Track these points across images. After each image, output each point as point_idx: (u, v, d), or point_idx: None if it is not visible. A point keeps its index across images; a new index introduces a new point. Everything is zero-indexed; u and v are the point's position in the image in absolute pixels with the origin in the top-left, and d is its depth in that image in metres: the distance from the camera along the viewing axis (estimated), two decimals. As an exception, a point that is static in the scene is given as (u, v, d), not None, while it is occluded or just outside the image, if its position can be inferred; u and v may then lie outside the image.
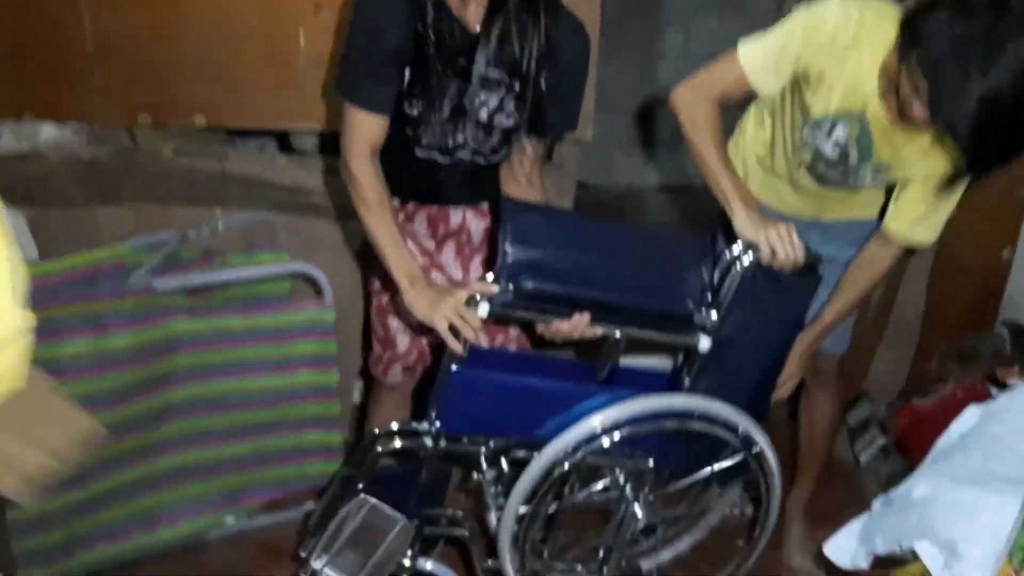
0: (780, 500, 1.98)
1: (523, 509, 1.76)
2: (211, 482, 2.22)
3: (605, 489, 1.89)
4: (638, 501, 1.93)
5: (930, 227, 1.83)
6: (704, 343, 1.77)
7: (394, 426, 1.77)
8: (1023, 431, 1.63)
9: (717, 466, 1.87)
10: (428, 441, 1.75)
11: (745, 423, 1.84)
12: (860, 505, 2.53)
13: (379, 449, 1.75)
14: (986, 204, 2.51)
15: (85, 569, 2.07)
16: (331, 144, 2.58)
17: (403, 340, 1.96)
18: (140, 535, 2.13)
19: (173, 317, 2.06)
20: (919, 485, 1.62)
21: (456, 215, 1.90)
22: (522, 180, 1.86)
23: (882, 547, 1.66)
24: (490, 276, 1.63)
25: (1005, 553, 1.36)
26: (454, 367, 1.68)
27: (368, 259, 1.93)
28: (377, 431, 1.79)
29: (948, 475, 1.61)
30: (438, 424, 1.74)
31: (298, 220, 2.40)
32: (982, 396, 2.05)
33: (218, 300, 2.23)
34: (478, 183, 1.87)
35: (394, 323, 1.94)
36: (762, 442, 1.88)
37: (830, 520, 2.40)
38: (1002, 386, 1.98)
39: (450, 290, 1.65)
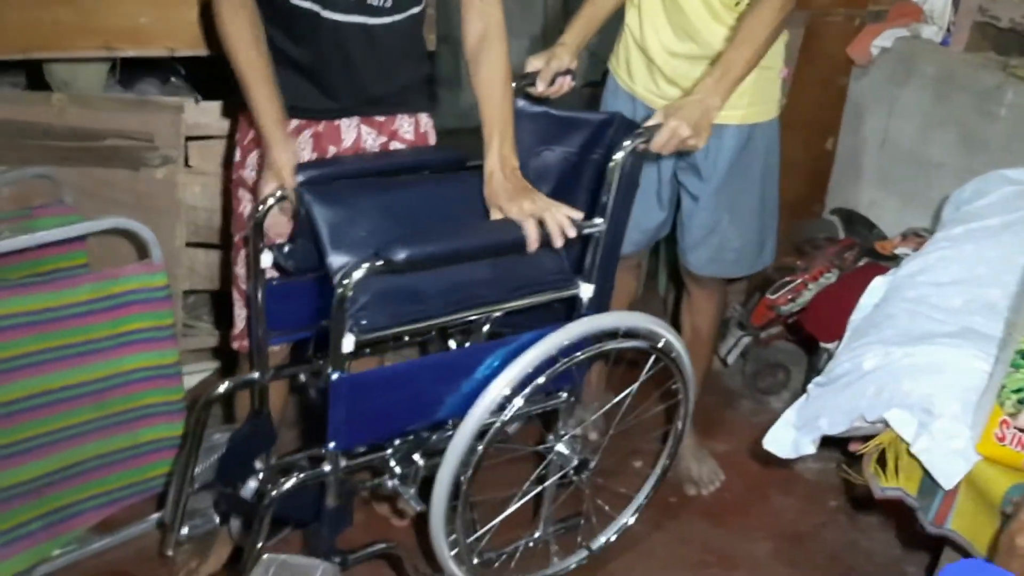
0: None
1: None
2: (27, 507, 1.74)
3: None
4: (561, 439, 1.77)
5: None
6: (586, 291, 1.61)
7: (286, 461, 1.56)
8: (943, 287, 1.66)
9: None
10: (326, 467, 1.47)
11: (649, 324, 1.73)
12: (733, 406, 2.58)
13: (273, 496, 1.46)
14: (809, 97, 2.60)
15: None
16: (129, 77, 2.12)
17: None
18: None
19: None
20: (866, 357, 1.59)
21: (349, 131, 1.58)
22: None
23: (830, 428, 1.62)
24: None
25: (988, 403, 1.34)
26: (335, 375, 1.38)
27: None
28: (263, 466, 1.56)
29: (887, 342, 1.60)
30: (331, 445, 1.45)
31: (90, 172, 1.94)
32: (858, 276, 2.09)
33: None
34: (379, 72, 1.56)
35: None
36: (670, 336, 1.78)
37: (711, 425, 2.41)
38: (887, 258, 2.03)
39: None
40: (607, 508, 1.97)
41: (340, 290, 1.29)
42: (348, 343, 1.33)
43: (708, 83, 1.67)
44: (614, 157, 1.58)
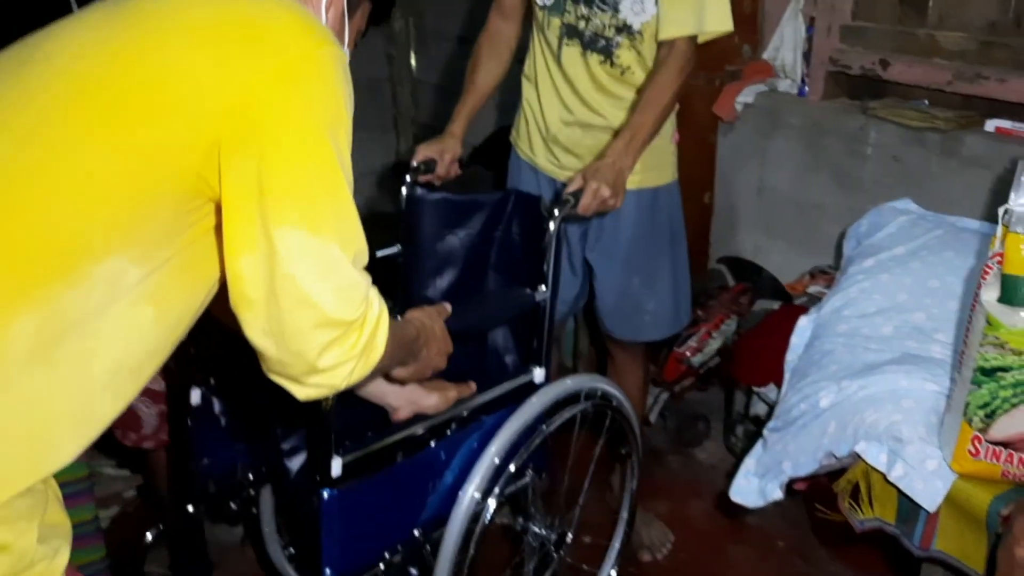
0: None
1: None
2: None
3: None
4: (533, 518, 1.72)
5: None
6: (539, 375, 1.63)
7: None
8: (870, 317, 1.74)
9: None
10: None
11: (603, 384, 1.74)
12: (663, 464, 2.58)
13: None
14: (684, 157, 2.71)
15: None
16: None
17: None
18: None
19: None
20: (820, 395, 1.63)
21: None
22: None
23: (796, 470, 1.65)
24: None
25: (955, 422, 1.40)
26: (326, 494, 1.27)
27: None
28: None
29: (836, 378, 1.65)
30: (328, 572, 1.33)
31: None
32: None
33: None
34: None
35: None
36: (620, 395, 1.78)
37: (647, 487, 2.39)
38: (796, 298, 2.11)
39: None
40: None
41: (324, 404, 1.20)
42: (336, 466, 1.22)
43: (619, 146, 1.72)
44: (549, 227, 1.59)
